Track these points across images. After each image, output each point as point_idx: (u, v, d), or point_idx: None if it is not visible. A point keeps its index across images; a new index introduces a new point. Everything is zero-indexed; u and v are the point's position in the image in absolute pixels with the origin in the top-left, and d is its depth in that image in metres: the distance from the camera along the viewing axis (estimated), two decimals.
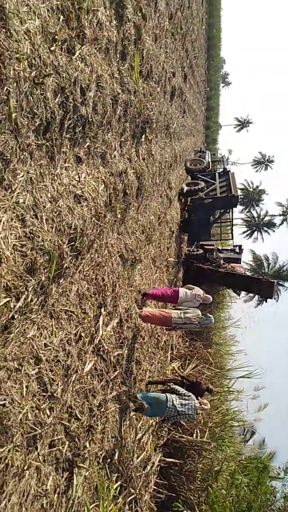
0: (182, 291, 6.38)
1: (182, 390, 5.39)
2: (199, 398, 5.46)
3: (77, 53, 3.31)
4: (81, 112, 3.45)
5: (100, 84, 3.88)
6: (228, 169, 15.48)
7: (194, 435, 7.28)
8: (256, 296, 39.06)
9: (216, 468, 7.29)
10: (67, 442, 3.36)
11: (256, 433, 15.21)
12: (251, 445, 13.90)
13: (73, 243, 3.38)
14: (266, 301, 12.62)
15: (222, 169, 16.64)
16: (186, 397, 5.19)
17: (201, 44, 26.09)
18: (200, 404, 5.22)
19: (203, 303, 6.59)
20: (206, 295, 6.54)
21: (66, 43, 3.13)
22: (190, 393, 5.29)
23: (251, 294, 39.86)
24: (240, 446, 10.34)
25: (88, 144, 3.82)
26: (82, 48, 3.44)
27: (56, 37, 2.93)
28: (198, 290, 6.42)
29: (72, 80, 3.22)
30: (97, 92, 3.82)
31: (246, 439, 14.02)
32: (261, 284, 11.52)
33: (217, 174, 14.70)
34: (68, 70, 3.14)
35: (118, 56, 4.65)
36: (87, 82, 3.52)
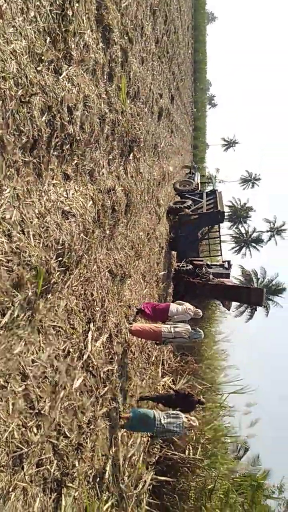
0: (174, 306, 6.49)
1: (170, 410, 5.62)
2: (188, 415, 5.54)
3: (64, 74, 3.41)
4: (68, 131, 3.53)
5: (87, 103, 3.98)
6: (216, 189, 15.69)
7: (187, 452, 7.18)
8: (246, 310, 39.19)
9: (209, 487, 7.16)
10: (55, 461, 3.30)
11: (249, 450, 14.99)
12: (245, 462, 13.70)
13: (61, 258, 3.40)
14: (256, 309, 12.98)
15: (210, 189, 16.79)
16: (174, 415, 5.36)
17: (188, 67, 26.88)
18: (189, 421, 5.31)
19: (194, 317, 6.68)
20: (197, 309, 6.65)
21: (53, 64, 3.24)
22: (178, 412, 5.43)
23: (241, 309, 39.99)
24: (234, 463, 10.18)
25: (76, 161, 3.89)
26: (69, 69, 3.55)
27: (43, 57, 3.03)
28: (188, 305, 6.53)
29: (59, 100, 3.31)
30: (84, 111, 3.92)
31: (240, 456, 13.79)
32: (250, 292, 11.92)
33: (204, 193, 15.03)
34: (55, 90, 3.23)
35: (105, 77, 4.79)
36: (74, 102, 3.61)
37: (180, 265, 13.59)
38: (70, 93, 3.57)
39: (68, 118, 3.52)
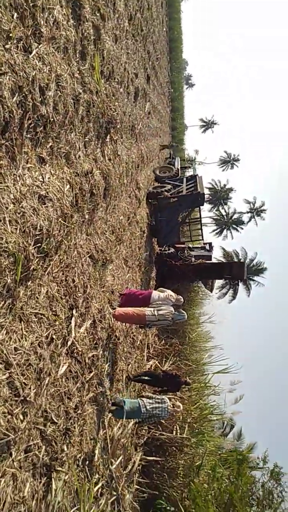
0: (155, 293, 6.54)
1: (155, 395, 5.91)
2: (173, 399, 5.75)
3: (34, 52, 3.27)
4: (41, 112, 3.41)
5: (60, 83, 3.84)
6: (196, 174, 15.52)
7: (174, 432, 7.33)
8: (228, 292, 39.80)
9: (197, 463, 7.37)
10: (43, 447, 3.30)
11: (235, 426, 15.48)
12: (230, 438, 14.14)
13: (39, 244, 3.33)
14: (238, 284, 13.36)
15: (191, 174, 16.58)
16: (159, 401, 5.62)
17: (163, 46, 26.40)
18: (173, 407, 5.54)
19: (175, 304, 6.73)
20: (178, 296, 6.73)
21: (21, 41, 3.09)
22: (163, 397, 5.63)
23: (224, 291, 40.60)
24: (220, 440, 10.48)
25: (50, 144, 3.78)
26: (39, 47, 3.40)
27: (11, 34, 2.89)
28: (170, 292, 6.60)
29: (30, 79, 3.17)
30: (57, 91, 3.78)
31: (226, 432, 14.23)
32: (232, 266, 12.30)
33: (184, 178, 14.87)
34: (26, 69, 3.09)
35: (77, 56, 4.62)
36: (46, 82, 3.48)
37: (162, 249, 13.61)
38: (42, 72, 3.43)
39: (40, 99, 3.40)
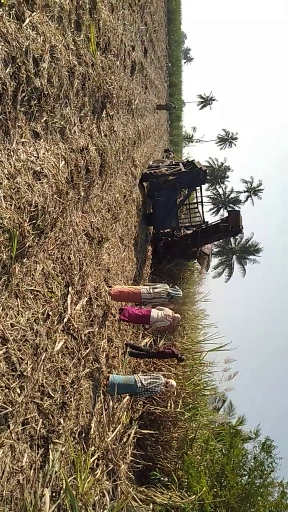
0: (154, 311, 6.56)
1: (150, 372, 6.09)
2: (166, 377, 5.93)
3: (27, 21, 3.15)
4: (35, 84, 3.31)
5: (54, 55, 3.72)
6: (193, 159, 14.13)
7: (168, 406, 7.51)
8: (224, 271, 40.05)
9: (190, 436, 7.59)
10: (40, 420, 3.38)
11: (227, 401, 15.89)
12: (222, 412, 14.54)
13: (34, 221, 3.30)
14: (236, 235, 12.46)
15: (187, 159, 15.13)
16: (154, 377, 5.80)
17: (161, 17, 25.52)
18: (167, 383, 5.65)
19: (173, 321, 6.84)
20: (175, 314, 6.78)
21: (14, 8, 2.97)
22: (159, 374, 5.73)
23: (219, 270, 40.86)
24: (213, 414, 10.77)
25: (45, 118, 3.69)
26: (33, 15, 3.27)
27: (2, 1, 2.77)
28: (168, 311, 6.67)
29: (24, 50, 3.07)
30: (52, 63, 3.67)
31: (218, 407, 14.61)
32: (228, 219, 11.69)
33: (181, 163, 13.69)
34: (19, 39, 2.98)
35: (72, 26, 4.46)
36: (40, 52, 3.36)
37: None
38: (35, 42, 3.31)
39: (34, 71, 3.29)
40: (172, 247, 12.82)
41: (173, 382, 5.96)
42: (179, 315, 6.94)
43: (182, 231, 13.62)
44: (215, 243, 31.17)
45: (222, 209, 50.94)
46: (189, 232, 13.26)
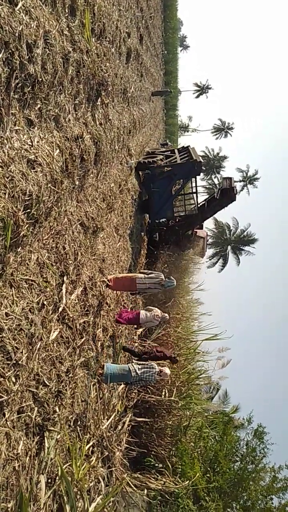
0: (143, 313, 6.77)
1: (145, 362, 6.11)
2: (160, 365, 6.01)
3: (20, 4, 3.08)
4: (29, 71, 3.26)
5: (48, 40, 3.65)
6: (188, 145, 14.16)
7: (163, 395, 7.59)
8: (218, 261, 40.21)
9: (184, 424, 7.70)
10: (36, 408, 3.41)
11: (220, 389, 16.10)
12: (216, 400, 14.75)
13: (29, 210, 3.27)
14: (231, 202, 12.89)
15: (182, 146, 15.42)
16: (148, 366, 5.86)
17: (157, 3, 25.11)
18: (161, 371, 5.85)
19: (161, 321, 7.12)
20: (164, 314, 6.99)
21: None
22: (152, 363, 5.98)
23: (214, 260, 41.00)
24: (207, 402, 10.92)
25: (39, 106, 3.64)
26: None
27: None
28: (156, 311, 6.87)
29: (17, 35, 3.01)
30: (46, 49, 3.60)
31: (212, 395, 14.81)
32: (221, 193, 12.27)
33: (176, 150, 13.77)
34: (11, 23, 2.92)
35: (66, 11, 4.37)
36: (33, 38, 3.30)
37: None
38: (29, 27, 3.25)
39: (28, 57, 3.23)
40: (167, 234, 13.01)
41: (167, 370, 6.02)
42: (166, 315, 7.14)
43: (177, 220, 13.75)
44: (210, 234, 31.20)
45: None
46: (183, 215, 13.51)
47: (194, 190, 13.20)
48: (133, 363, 5.95)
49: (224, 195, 12.41)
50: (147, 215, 13.22)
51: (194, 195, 13.31)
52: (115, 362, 6.47)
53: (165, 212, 12.17)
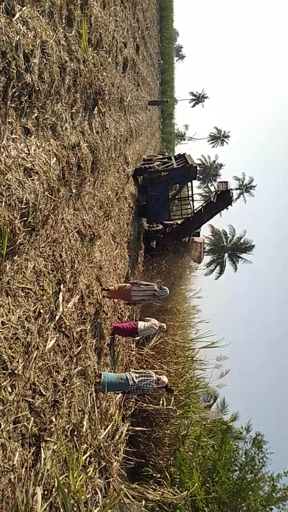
0: (141, 323, 6.94)
1: (141, 370, 6.20)
2: (158, 374, 6.03)
3: (17, 15, 3.11)
4: (26, 80, 3.28)
5: (45, 50, 3.68)
6: (184, 152, 14.99)
7: (161, 403, 7.53)
8: (215, 269, 40.24)
9: (182, 433, 7.63)
10: (32, 418, 3.36)
11: (219, 398, 15.99)
12: (215, 409, 14.64)
13: (25, 218, 3.27)
14: (228, 205, 13.54)
15: (178, 153, 15.96)
16: (146, 374, 5.86)
17: (153, 14, 25.45)
18: (159, 380, 5.88)
19: (159, 330, 7.34)
20: (161, 323, 7.15)
21: (4, 3, 2.93)
22: (150, 371, 6.00)
23: (211, 267, 41.03)
24: (205, 411, 10.84)
25: (36, 114, 3.65)
26: (23, 9, 3.23)
27: None
28: (153, 321, 7.03)
29: (14, 45, 3.03)
30: (43, 59, 3.63)
31: (210, 404, 14.70)
32: (218, 198, 12.75)
33: (173, 157, 14.29)
34: (9, 33, 2.95)
35: (63, 22, 4.42)
36: (30, 48, 3.33)
37: (151, 226, 13.60)
38: (26, 37, 3.27)
39: (25, 66, 3.26)
40: (164, 241, 13.27)
41: (165, 379, 6.00)
42: (164, 325, 7.21)
43: (174, 227, 13.91)
44: (207, 241, 31.25)
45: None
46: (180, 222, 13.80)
47: (190, 194, 13.58)
48: (130, 372, 5.91)
49: (221, 198, 12.79)
50: (145, 223, 13.29)
51: (190, 199, 13.72)
52: (112, 371, 6.42)
53: (163, 214, 12.61)
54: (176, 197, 13.52)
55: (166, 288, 6.93)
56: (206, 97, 74.23)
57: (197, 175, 13.13)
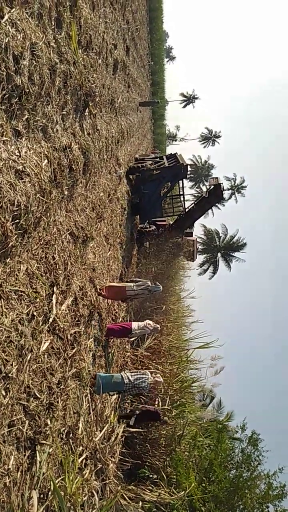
0: (134, 324, 7.01)
1: (137, 371, 6.25)
2: (153, 373, 6.05)
3: (6, 17, 3.10)
4: (16, 82, 3.27)
5: (35, 52, 3.68)
6: (175, 152, 15.46)
7: (156, 404, 7.53)
8: (209, 268, 40.38)
9: (178, 433, 7.63)
10: (27, 421, 3.34)
11: (215, 398, 16.03)
12: (211, 409, 14.67)
13: (17, 220, 3.26)
14: (220, 201, 14.50)
15: (170, 153, 16.43)
16: (141, 373, 5.95)
17: (143, 15, 25.50)
18: (154, 378, 5.82)
19: (153, 331, 7.39)
20: (155, 324, 7.24)
21: None
22: (145, 371, 5.89)
23: (204, 267, 41.16)
24: (201, 410, 10.85)
25: (26, 116, 3.64)
26: (12, 11, 3.22)
27: None
28: (147, 322, 7.13)
29: (3, 47, 3.03)
30: (32, 61, 3.62)
31: (206, 404, 14.73)
32: (210, 193, 13.30)
33: (164, 156, 14.78)
34: None
35: (53, 24, 4.42)
36: (20, 50, 3.32)
37: (143, 227, 13.65)
38: (15, 39, 3.27)
39: (15, 68, 3.25)
40: (160, 244, 13.47)
41: (160, 378, 6.04)
42: (158, 326, 7.29)
43: (167, 227, 14.12)
44: (200, 241, 31.38)
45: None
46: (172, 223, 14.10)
47: (181, 192, 14.13)
48: (125, 371, 5.94)
49: (213, 193, 13.36)
50: (138, 224, 13.34)
51: (182, 197, 14.30)
52: (107, 373, 6.41)
53: (155, 212, 13.05)
54: (168, 195, 14.11)
55: (159, 284, 7.05)
56: (197, 98, 74.47)
57: (189, 175, 13.79)
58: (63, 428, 4.24)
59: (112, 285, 6.66)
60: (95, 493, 4.39)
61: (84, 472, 4.43)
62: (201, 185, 54.68)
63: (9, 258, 3.29)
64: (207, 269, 41.56)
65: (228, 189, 54.63)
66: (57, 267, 4.46)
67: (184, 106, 74.76)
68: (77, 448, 4.48)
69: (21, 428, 3.23)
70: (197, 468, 7.69)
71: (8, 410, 3.03)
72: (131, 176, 12.41)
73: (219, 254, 42.22)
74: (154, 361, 8.77)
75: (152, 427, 7.60)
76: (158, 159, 14.23)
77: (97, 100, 6.54)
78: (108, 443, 5.27)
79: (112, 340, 7.22)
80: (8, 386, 3.01)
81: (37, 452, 3.43)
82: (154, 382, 5.91)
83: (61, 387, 4.22)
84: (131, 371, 6.15)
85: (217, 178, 13.77)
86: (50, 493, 3.53)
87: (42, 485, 3.48)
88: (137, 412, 6.65)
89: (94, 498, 4.34)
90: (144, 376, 5.77)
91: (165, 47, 64.69)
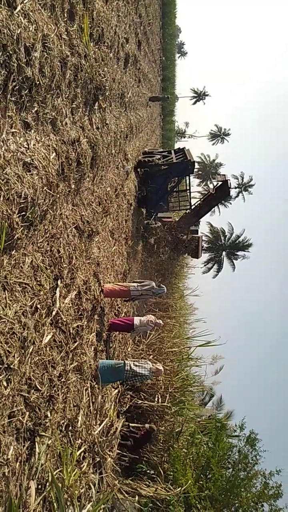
0: (137, 319, 6.99)
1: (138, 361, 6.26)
2: (154, 363, 6.10)
3: (18, 8, 3.08)
4: (26, 74, 3.26)
5: (46, 44, 3.66)
6: (183, 147, 15.47)
7: (156, 400, 7.56)
8: (213, 267, 40.35)
9: (177, 430, 7.66)
10: (27, 413, 3.36)
11: (215, 396, 16.06)
12: (210, 406, 14.71)
13: (24, 213, 3.26)
14: (226, 197, 14.71)
15: (178, 147, 16.45)
16: (142, 362, 6.05)
17: (156, 10, 25.31)
18: (154, 366, 5.99)
19: (155, 326, 7.35)
20: (157, 320, 7.19)
21: None
22: (146, 360, 5.90)
23: (209, 265, 41.10)
24: (200, 408, 10.88)
25: (36, 109, 3.64)
26: (25, 2, 3.21)
27: None
28: (150, 317, 7.10)
29: (15, 38, 3.01)
30: (44, 53, 3.61)
31: (206, 401, 14.77)
32: (217, 189, 13.56)
33: (172, 151, 14.80)
34: (10, 26, 2.92)
35: (65, 16, 4.39)
36: (31, 41, 3.30)
37: (149, 223, 13.65)
38: (27, 31, 3.25)
39: (26, 60, 3.24)
40: (163, 237, 13.67)
41: (161, 367, 6.10)
42: (160, 321, 7.28)
43: (173, 224, 14.19)
44: (205, 239, 31.32)
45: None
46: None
47: (188, 188, 14.37)
48: (127, 360, 6.04)
49: (220, 189, 13.55)
50: (143, 220, 13.33)
51: (188, 192, 14.56)
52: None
53: (161, 207, 13.28)
54: (175, 189, 14.33)
55: (163, 286, 7.03)
56: (207, 95, 73.92)
57: (197, 172, 14.00)
58: (63, 421, 4.26)
59: (116, 288, 6.62)
60: (92, 486, 4.42)
61: (82, 465, 4.46)
62: (208, 183, 54.40)
63: (14, 250, 3.30)
64: (212, 267, 41.47)
65: (235, 187, 54.34)
66: (62, 261, 4.47)
67: (194, 103, 74.29)
68: (76, 441, 4.51)
69: (21, 419, 3.25)
70: (194, 465, 7.72)
71: (9, 401, 3.05)
72: (138, 170, 12.53)
73: (224, 253, 42.10)
74: (155, 358, 8.79)
75: (151, 423, 7.63)
76: (166, 153, 14.27)
77: (107, 94, 6.51)
78: (106, 437, 5.30)
79: (114, 334, 7.24)
80: (9, 377, 3.03)
81: (36, 443, 3.46)
82: (156, 370, 5.96)
83: (62, 380, 4.24)
84: (133, 360, 6.26)
85: (224, 175, 13.93)
86: (48, 484, 3.56)
87: (40, 476, 3.51)
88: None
89: (91, 491, 4.37)
90: (145, 365, 5.87)
91: (177, 43, 64.17)
